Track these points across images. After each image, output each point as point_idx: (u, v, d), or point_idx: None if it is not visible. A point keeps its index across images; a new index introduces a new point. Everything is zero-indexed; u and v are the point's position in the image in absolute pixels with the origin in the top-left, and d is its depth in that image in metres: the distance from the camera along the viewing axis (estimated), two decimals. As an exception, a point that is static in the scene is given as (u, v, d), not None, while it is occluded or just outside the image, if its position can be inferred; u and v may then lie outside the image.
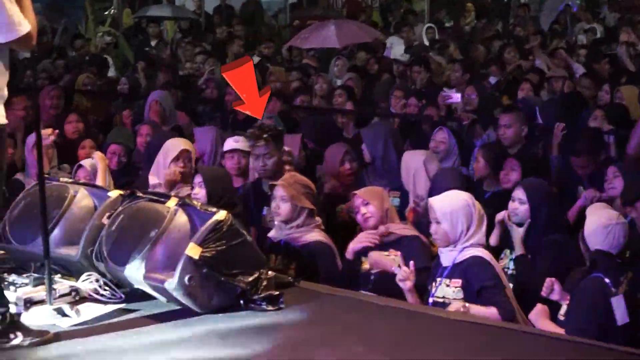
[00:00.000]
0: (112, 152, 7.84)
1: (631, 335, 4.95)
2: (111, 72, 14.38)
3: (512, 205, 6.05)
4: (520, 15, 20.27)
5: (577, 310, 5.04)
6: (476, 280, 5.28)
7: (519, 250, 5.91)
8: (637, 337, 4.99)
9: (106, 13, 20.05)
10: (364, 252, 5.93)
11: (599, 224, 5.17)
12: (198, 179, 6.10)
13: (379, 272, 5.76)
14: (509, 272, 5.98)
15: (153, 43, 16.99)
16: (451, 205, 5.40)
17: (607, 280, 5.01)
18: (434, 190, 6.31)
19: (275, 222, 6.02)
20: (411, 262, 5.38)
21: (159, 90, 10.21)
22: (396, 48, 15.45)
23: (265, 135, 6.78)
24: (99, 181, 6.51)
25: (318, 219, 6.05)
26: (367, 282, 5.86)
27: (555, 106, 9.15)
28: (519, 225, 5.98)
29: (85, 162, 6.82)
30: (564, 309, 5.20)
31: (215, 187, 5.96)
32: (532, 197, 5.99)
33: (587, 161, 7.45)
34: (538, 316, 5.22)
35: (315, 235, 5.93)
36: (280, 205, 5.91)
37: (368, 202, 5.96)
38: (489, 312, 5.10)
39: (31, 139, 7.16)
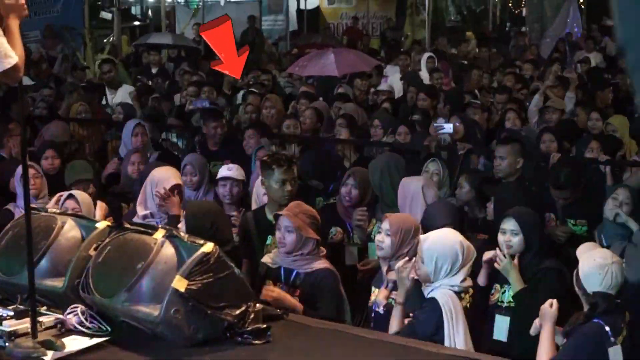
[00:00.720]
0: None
1: None
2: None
3: (504, 238, 5.99)
4: (520, 44, 20.33)
5: (573, 354, 5.00)
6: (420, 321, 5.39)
7: (517, 285, 5.84)
8: None
9: (105, 41, 20.14)
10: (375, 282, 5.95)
11: (594, 265, 5.10)
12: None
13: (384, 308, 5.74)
14: (504, 305, 5.94)
15: (154, 71, 17.04)
16: (439, 250, 5.35)
17: (607, 328, 4.97)
18: (425, 221, 6.27)
19: (279, 251, 6.00)
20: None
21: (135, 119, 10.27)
22: (393, 76, 15.48)
23: (292, 160, 6.95)
24: None
25: (323, 250, 6.02)
26: (370, 316, 5.86)
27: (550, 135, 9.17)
28: (513, 257, 5.94)
29: (77, 194, 6.78)
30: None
31: (197, 224, 5.89)
32: (524, 227, 5.96)
33: (569, 194, 7.47)
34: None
35: (321, 263, 5.91)
36: (286, 236, 5.90)
37: (389, 234, 5.90)
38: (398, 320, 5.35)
39: (19, 169, 7.10)
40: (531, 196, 7.33)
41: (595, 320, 5.01)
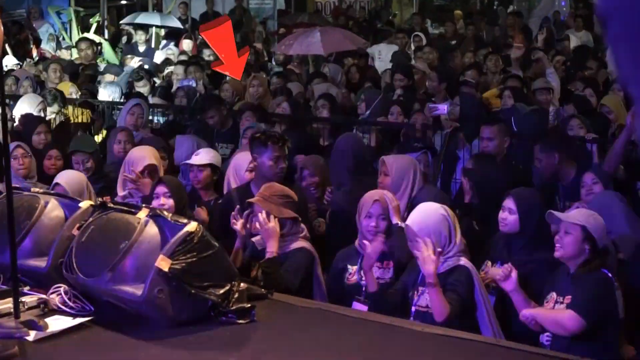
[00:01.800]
0: (76, 162, 7.78)
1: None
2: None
3: (501, 214, 6.01)
4: (509, 24, 20.23)
5: (591, 298, 5.28)
6: (458, 288, 5.38)
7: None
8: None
9: (91, 20, 20.03)
10: (353, 262, 5.92)
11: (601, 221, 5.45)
12: (162, 189, 6.04)
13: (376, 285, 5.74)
14: (493, 284, 5.94)
15: (141, 49, 17.00)
16: (429, 223, 5.39)
17: (610, 274, 5.29)
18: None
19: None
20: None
21: (136, 97, 10.21)
22: (387, 56, 15.44)
23: (284, 138, 6.97)
24: None
25: (303, 227, 6.01)
26: (359, 292, 5.85)
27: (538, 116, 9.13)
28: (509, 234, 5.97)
29: (63, 181, 6.78)
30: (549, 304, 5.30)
31: (182, 197, 5.91)
32: (521, 207, 5.94)
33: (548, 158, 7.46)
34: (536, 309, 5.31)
35: (299, 243, 5.89)
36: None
37: (384, 218, 5.97)
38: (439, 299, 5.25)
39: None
40: (517, 173, 7.31)
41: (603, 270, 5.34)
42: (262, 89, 11.17)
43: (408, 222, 5.50)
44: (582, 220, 5.37)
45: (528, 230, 5.92)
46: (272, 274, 5.61)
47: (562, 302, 5.32)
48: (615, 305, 5.27)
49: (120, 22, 19.95)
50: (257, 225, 5.84)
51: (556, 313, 5.27)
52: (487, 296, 5.49)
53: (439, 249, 5.35)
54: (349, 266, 6.00)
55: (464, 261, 5.47)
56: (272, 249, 5.74)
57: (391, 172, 6.74)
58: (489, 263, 6.03)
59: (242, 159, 7.34)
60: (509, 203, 6.00)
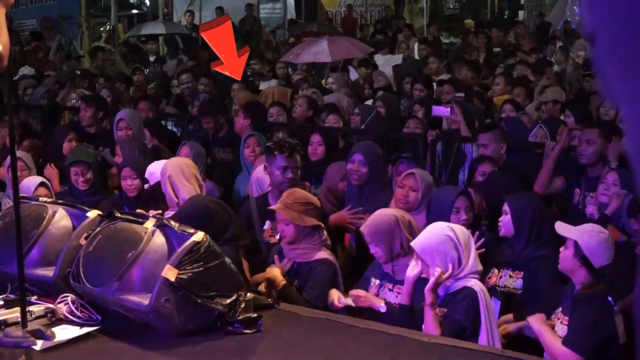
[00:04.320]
0: (74, 174, 7.78)
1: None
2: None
3: (500, 219, 6.08)
4: (519, 32, 20.22)
5: (589, 328, 5.09)
6: (456, 312, 5.24)
7: None
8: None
9: (102, 29, 20.11)
10: (376, 275, 5.91)
11: (599, 240, 5.22)
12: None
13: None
14: (499, 290, 5.95)
15: (152, 59, 17.06)
16: (432, 244, 5.29)
17: (609, 298, 5.08)
18: (435, 208, 6.29)
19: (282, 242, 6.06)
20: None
21: (125, 109, 10.17)
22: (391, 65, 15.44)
23: (296, 148, 6.94)
24: None
25: (324, 234, 6.00)
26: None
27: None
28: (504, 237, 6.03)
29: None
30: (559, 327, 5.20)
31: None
32: (513, 209, 5.98)
33: None
34: (537, 320, 5.21)
35: (321, 254, 5.90)
36: (284, 228, 5.91)
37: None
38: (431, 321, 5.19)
39: (9, 159, 7.13)
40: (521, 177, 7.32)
41: (594, 295, 5.12)
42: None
43: (413, 243, 5.42)
44: (576, 235, 5.27)
45: (523, 230, 5.96)
46: (293, 301, 5.59)
47: (562, 323, 5.26)
48: (614, 332, 5.09)
49: (127, 34, 20.07)
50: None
51: (554, 344, 5.13)
52: (492, 318, 5.37)
53: (443, 272, 5.22)
54: (373, 279, 5.97)
55: (472, 283, 5.28)
56: (277, 279, 5.81)
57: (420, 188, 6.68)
58: (496, 271, 6.05)
59: (261, 170, 7.34)
60: (505, 207, 6.07)
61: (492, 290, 5.93)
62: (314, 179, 8.01)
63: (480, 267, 5.38)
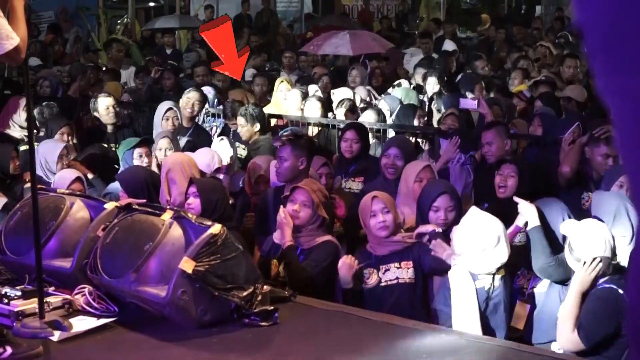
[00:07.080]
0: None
1: None
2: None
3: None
4: (537, 27, 20.14)
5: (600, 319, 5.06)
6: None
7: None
8: None
9: (119, 22, 20.13)
10: (366, 265, 5.86)
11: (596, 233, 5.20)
12: (192, 189, 6.01)
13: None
14: (527, 292, 5.90)
15: (168, 52, 17.07)
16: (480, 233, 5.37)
17: (620, 290, 5.04)
18: (422, 198, 6.20)
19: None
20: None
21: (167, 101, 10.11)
22: (415, 58, 15.36)
23: (283, 138, 6.93)
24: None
25: (327, 229, 6.00)
26: (378, 294, 5.76)
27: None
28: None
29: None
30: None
31: (209, 198, 5.89)
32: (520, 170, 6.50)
33: None
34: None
35: (325, 237, 5.87)
36: (301, 210, 5.83)
37: (388, 211, 5.81)
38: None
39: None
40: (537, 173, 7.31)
41: (607, 285, 5.08)
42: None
43: (454, 234, 5.46)
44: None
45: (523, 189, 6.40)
46: (291, 263, 5.60)
47: None
48: (623, 321, 5.13)
49: (142, 28, 20.08)
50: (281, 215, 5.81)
51: (568, 327, 5.11)
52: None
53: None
54: (364, 270, 5.91)
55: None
56: (286, 238, 5.73)
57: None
58: (525, 271, 6.03)
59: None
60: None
61: (519, 292, 5.96)
62: (342, 174, 7.95)
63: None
